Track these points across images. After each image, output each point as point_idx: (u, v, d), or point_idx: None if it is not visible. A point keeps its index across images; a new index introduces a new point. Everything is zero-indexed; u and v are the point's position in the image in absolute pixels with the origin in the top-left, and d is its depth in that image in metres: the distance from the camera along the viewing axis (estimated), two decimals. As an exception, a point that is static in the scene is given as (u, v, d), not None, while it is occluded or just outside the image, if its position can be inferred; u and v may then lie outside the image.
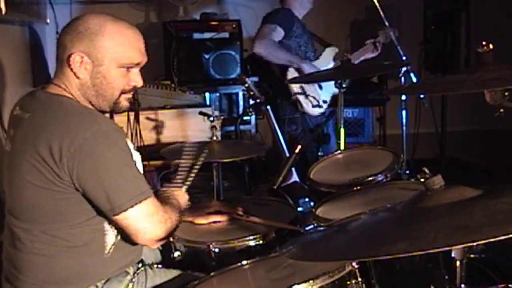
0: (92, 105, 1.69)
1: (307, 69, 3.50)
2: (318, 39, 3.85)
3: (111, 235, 1.67)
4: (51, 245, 1.62)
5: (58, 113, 1.60)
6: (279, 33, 3.51)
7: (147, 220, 1.60)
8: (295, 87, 3.54)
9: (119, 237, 1.68)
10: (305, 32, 3.70)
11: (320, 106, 3.54)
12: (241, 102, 4.57)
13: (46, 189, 1.57)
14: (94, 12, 1.68)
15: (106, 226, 1.65)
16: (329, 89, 3.63)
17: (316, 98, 3.54)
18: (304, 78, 3.41)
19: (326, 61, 3.73)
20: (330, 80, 3.22)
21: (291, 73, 3.54)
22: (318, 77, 3.27)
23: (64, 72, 1.66)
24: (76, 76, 1.64)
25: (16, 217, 1.66)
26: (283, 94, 3.56)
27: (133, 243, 1.66)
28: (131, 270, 1.74)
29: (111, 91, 1.68)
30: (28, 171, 1.57)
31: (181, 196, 1.88)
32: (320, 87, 3.64)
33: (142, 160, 1.81)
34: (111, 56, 1.63)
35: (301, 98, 3.53)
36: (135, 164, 1.65)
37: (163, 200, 1.74)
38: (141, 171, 1.75)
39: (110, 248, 1.67)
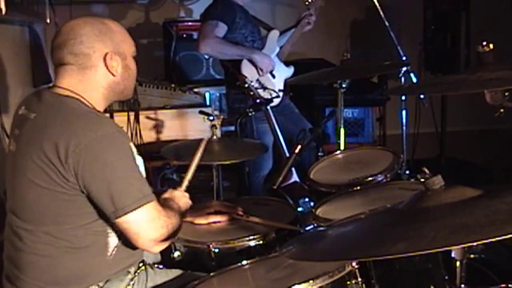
0: (106, 103, 1.73)
1: (258, 59, 3.45)
2: (260, 23, 3.77)
3: (114, 237, 1.67)
4: (53, 246, 1.61)
5: (65, 114, 1.60)
6: (222, 28, 3.37)
7: (149, 224, 1.59)
8: (253, 82, 3.42)
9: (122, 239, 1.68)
10: (249, 21, 3.57)
11: (278, 96, 3.44)
12: (241, 102, 4.57)
13: (51, 190, 1.57)
14: (80, 16, 1.72)
15: (109, 228, 1.65)
16: (281, 76, 3.59)
17: (274, 89, 3.42)
18: (302, 80, 3.37)
19: (273, 46, 3.64)
20: (330, 80, 3.21)
21: (245, 66, 3.47)
22: (318, 77, 3.25)
23: (86, 77, 1.66)
24: (112, 74, 1.69)
25: (19, 217, 1.65)
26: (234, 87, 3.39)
27: (134, 246, 1.65)
28: (132, 269, 1.74)
29: (133, 80, 1.78)
30: (33, 171, 1.57)
31: (181, 197, 1.87)
32: (273, 77, 3.58)
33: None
34: (127, 48, 1.72)
35: (261, 92, 3.47)
36: (138, 168, 1.65)
37: (164, 204, 1.73)
38: (144, 175, 1.75)
39: (113, 250, 1.67)
